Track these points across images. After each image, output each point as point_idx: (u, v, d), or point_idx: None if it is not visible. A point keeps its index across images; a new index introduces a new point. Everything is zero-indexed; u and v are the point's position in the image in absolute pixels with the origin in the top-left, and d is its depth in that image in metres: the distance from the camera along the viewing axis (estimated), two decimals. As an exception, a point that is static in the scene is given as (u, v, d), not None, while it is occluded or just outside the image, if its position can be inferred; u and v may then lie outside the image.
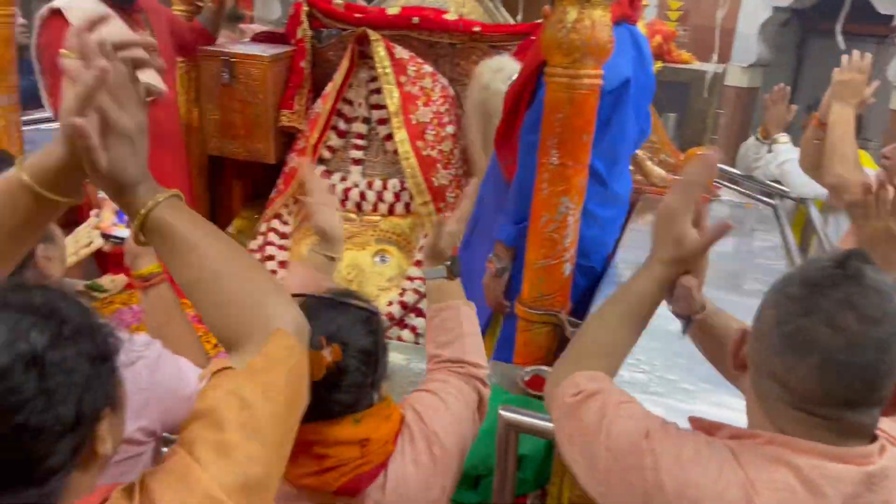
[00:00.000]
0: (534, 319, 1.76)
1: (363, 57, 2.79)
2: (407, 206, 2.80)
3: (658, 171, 2.85)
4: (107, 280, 2.13)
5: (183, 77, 2.94)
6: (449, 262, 1.36)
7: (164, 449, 1.21)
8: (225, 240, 0.88)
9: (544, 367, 1.70)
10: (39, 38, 2.45)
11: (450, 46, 2.81)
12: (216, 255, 0.84)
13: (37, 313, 0.72)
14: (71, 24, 2.43)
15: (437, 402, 1.19)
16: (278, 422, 0.78)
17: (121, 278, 2.17)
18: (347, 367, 1.03)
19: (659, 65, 3.85)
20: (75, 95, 0.80)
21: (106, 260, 2.32)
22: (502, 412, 1.20)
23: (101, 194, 1.49)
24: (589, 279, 1.98)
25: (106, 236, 1.52)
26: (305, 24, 2.89)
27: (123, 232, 1.47)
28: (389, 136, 2.78)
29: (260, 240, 2.89)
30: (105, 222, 1.50)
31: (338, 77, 2.78)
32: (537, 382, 1.66)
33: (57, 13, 2.42)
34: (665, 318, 1.08)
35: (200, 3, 2.94)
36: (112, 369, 0.79)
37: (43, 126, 2.92)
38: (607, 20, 1.57)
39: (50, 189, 0.84)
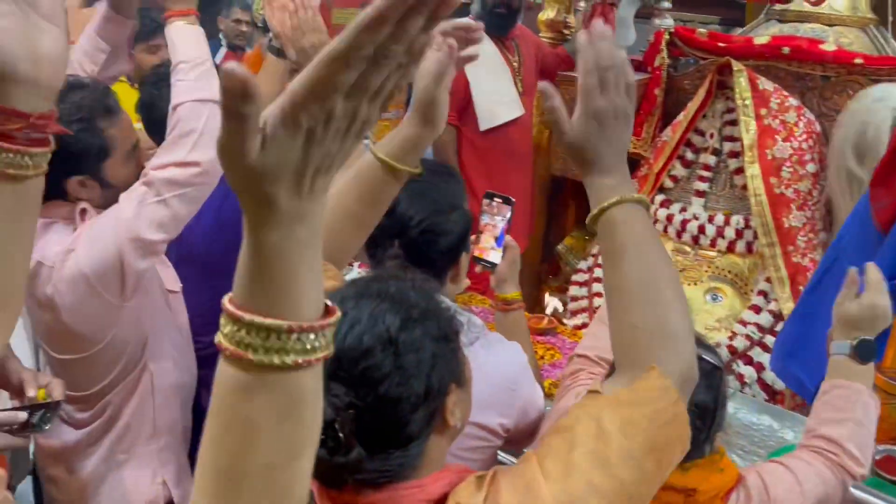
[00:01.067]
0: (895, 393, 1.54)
1: (722, 87, 2.68)
2: (749, 245, 2.63)
3: None
4: (452, 280, 2.33)
5: (540, 100, 3.11)
6: (858, 340, 1.23)
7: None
8: (659, 263, 0.85)
9: (902, 450, 1.48)
10: (425, 60, 2.79)
11: (822, 79, 2.58)
12: (641, 275, 0.84)
13: (391, 300, 0.82)
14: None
15: (792, 480, 1.10)
16: (630, 462, 0.75)
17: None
18: (683, 419, 1.01)
19: None
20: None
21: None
22: (853, 490, 1.07)
23: (484, 220, 1.63)
24: (972, 357, 1.68)
25: (478, 259, 1.59)
26: (664, 53, 2.87)
27: (496, 257, 1.56)
28: (739, 170, 2.64)
29: (590, 261, 2.93)
30: (483, 245, 1.59)
31: (692, 106, 2.72)
32: (891, 464, 1.45)
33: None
34: None
35: (566, 32, 3.09)
36: (455, 349, 0.86)
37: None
38: None
39: (397, 160, 0.97)
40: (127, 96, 1.77)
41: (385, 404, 0.78)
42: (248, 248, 0.53)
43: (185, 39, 1.46)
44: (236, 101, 0.47)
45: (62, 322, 1.46)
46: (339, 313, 0.56)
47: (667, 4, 2.00)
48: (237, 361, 0.52)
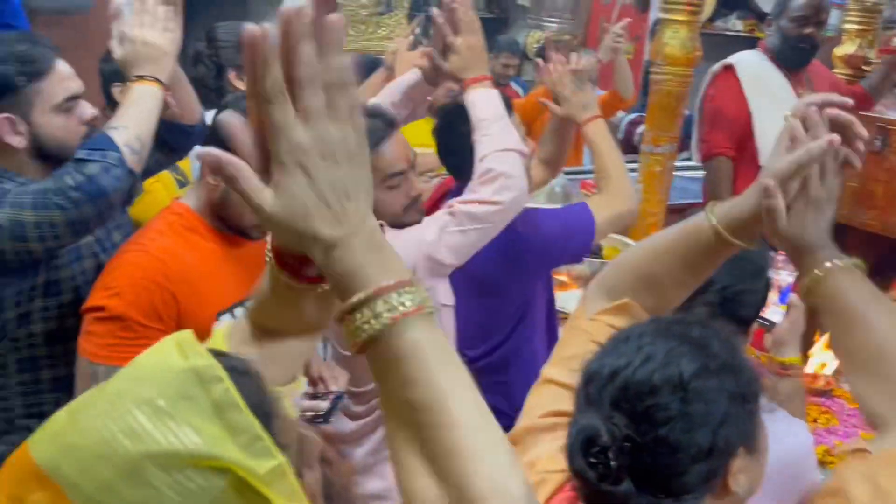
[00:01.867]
0: None
1: None
2: None
3: None
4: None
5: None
6: None
7: None
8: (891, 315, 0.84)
9: None
10: (708, 89, 2.71)
11: None
12: (883, 332, 0.81)
13: (690, 344, 0.80)
14: (740, 79, 2.62)
15: None
16: None
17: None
18: None
19: None
20: (792, 159, 0.87)
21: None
22: None
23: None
24: None
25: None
26: None
27: (776, 315, 1.46)
28: None
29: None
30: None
31: None
32: None
33: (728, 69, 2.64)
34: None
35: (866, 68, 2.82)
36: (752, 411, 0.82)
37: (684, 173, 3.21)
38: None
39: (732, 233, 0.92)
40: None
41: (663, 447, 0.77)
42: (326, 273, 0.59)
43: (482, 101, 1.62)
44: (221, 173, 0.55)
45: None
46: (412, 278, 0.59)
47: None
48: (366, 349, 0.58)
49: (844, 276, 0.86)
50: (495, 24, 5.66)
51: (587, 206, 1.81)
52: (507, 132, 1.60)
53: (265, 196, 0.56)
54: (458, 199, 1.59)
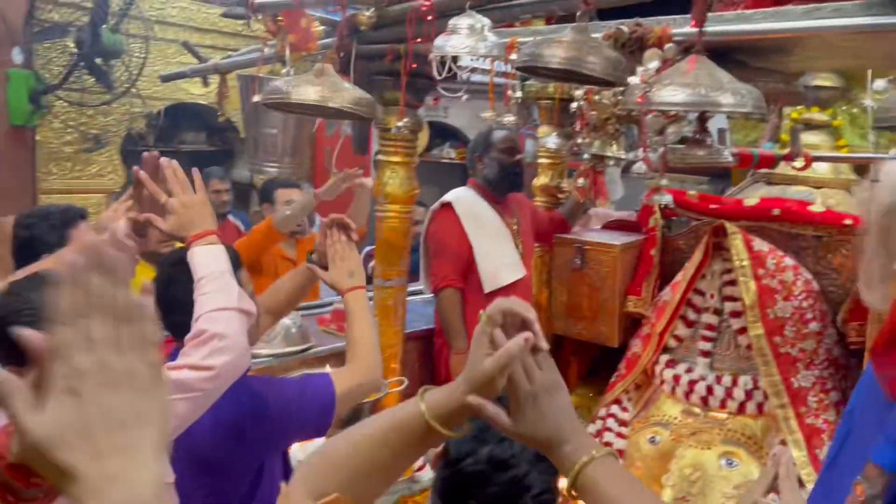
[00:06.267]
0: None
1: (718, 248, 2.71)
2: (759, 406, 2.55)
3: None
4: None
5: (537, 261, 3.15)
6: None
7: None
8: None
9: None
10: (430, 226, 2.87)
11: (814, 238, 2.60)
12: None
13: None
14: (458, 215, 2.80)
15: None
16: None
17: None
18: None
19: None
20: (493, 363, 0.87)
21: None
22: None
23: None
24: None
25: None
26: (658, 214, 2.92)
27: None
28: (743, 330, 2.61)
29: (598, 424, 2.83)
30: None
31: (690, 267, 2.72)
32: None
33: (446, 206, 2.83)
34: None
35: (560, 196, 3.17)
36: None
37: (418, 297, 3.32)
38: None
39: (441, 423, 0.91)
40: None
41: None
42: None
43: (203, 258, 1.50)
44: None
45: None
46: None
47: (665, 182, 2.06)
48: None
49: (598, 468, 0.86)
50: (219, 156, 5.54)
51: (329, 377, 1.75)
52: (225, 290, 1.46)
53: (32, 419, 0.53)
54: (168, 363, 1.40)
